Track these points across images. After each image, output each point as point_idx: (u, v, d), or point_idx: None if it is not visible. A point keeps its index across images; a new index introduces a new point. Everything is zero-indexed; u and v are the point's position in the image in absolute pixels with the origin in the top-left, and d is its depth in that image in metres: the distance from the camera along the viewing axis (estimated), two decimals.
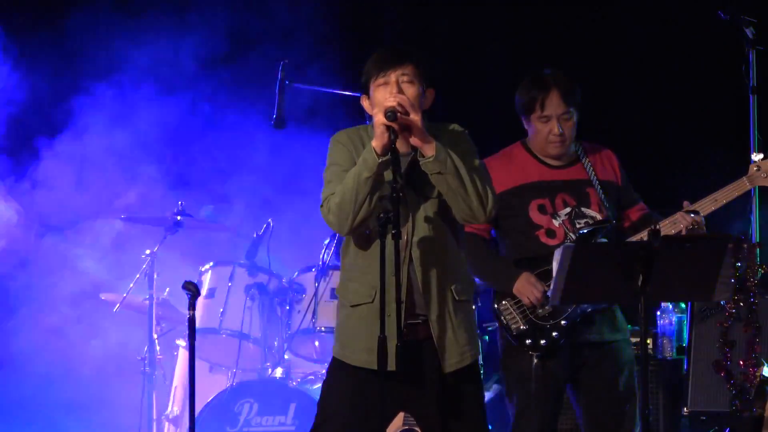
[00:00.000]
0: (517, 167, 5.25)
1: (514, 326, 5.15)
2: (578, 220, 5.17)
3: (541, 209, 5.19)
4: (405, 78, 4.38)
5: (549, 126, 5.17)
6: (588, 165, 5.24)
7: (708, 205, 5.20)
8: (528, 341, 5.13)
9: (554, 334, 5.10)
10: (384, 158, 4.25)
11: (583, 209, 5.19)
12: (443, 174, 4.29)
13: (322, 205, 4.42)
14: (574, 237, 5.13)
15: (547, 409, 5.12)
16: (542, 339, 5.11)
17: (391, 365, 4.22)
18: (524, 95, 5.21)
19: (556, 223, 5.18)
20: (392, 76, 4.38)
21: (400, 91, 4.35)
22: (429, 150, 4.29)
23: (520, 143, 5.32)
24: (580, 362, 5.15)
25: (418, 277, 4.38)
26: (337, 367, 4.51)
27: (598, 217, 5.17)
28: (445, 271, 4.41)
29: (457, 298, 4.43)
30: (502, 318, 5.17)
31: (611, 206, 5.21)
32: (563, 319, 5.10)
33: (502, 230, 5.27)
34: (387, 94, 4.34)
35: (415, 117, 4.27)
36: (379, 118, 4.26)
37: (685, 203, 5.19)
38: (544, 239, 5.17)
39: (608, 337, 5.16)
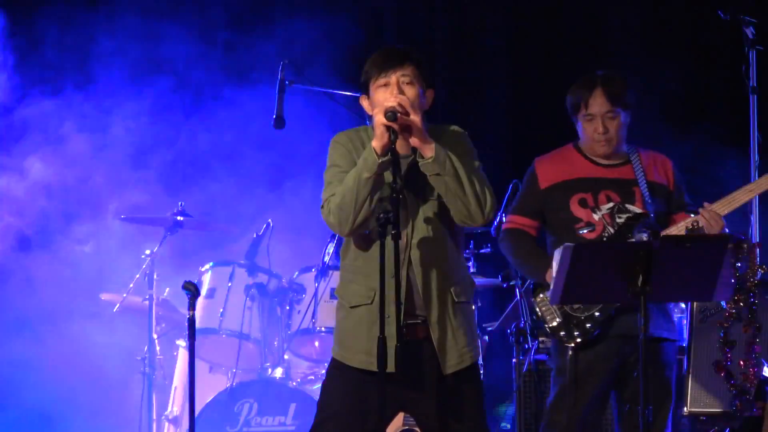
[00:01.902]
0: (566, 164, 5.32)
1: (549, 318, 5.20)
2: (620, 215, 5.21)
3: (582, 203, 5.24)
4: (405, 79, 4.37)
5: (594, 125, 5.24)
6: (638, 166, 5.28)
7: (742, 194, 5.20)
8: (562, 333, 5.17)
9: (588, 325, 5.13)
10: (384, 158, 4.25)
11: (627, 205, 5.23)
12: (442, 176, 4.29)
13: (322, 207, 4.41)
14: (612, 231, 5.15)
15: (581, 402, 5.13)
16: (576, 331, 5.14)
17: (390, 366, 4.22)
18: (572, 95, 5.30)
19: (596, 217, 5.23)
20: (393, 77, 4.37)
21: (401, 91, 4.34)
22: (428, 151, 4.29)
23: (572, 145, 5.39)
24: (621, 355, 5.14)
25: (418, 278, 4.37)
26: (335, 367, 4.51)
27: (639, 212, 5.21)
28: (444, 273, 4.41)
29: (456, 299, 4.42)
30: (538, 310, 5.22)
31: (656, 206, 5.23)
32: (598, 311, 5.12)
33: (547, 225, 5.35)
34: (388, 95, 4.33)
35: (414, 117, 4.26)
36: (379, 119, 4.26)
37: (705, 204, 5.20)
38: (583, 232, 5.20)
39: (653, 332, 5.12)
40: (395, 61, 4.38)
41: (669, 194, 5.32)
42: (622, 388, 5.21)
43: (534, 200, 5.30)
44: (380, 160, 4.24)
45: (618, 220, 5.20)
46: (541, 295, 5.24)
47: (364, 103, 4.46)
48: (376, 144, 4.26)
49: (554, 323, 5.19)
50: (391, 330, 4.23)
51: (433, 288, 4.38)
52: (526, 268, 5.38)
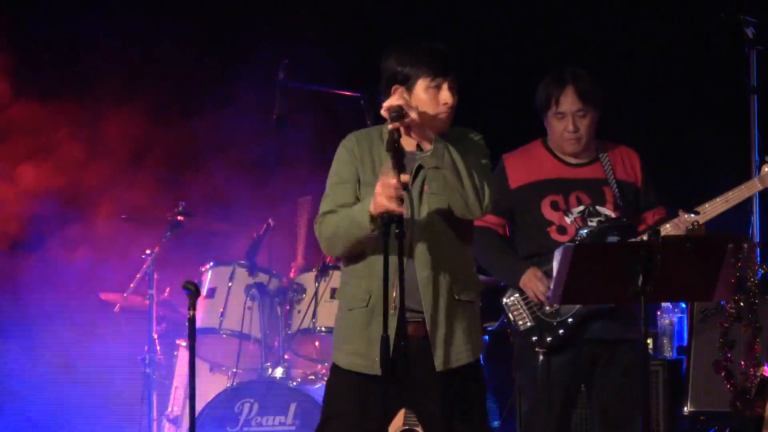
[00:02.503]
0: (535, 163, 5.27)
1: (521, 322, 5.16)
2: (591, 218, 5.18)
3: (554, 206, 5.21)
4: (454, 85, 4.42)
5: (564, 123, 5.19)
6: (607, 164, 5.24)
7: (719, 205, 5.19)
8: (534, 338, 5.13)
9: (561, 331, 5.10)
10: (375, 229, 4.24)
11: (597, 207, 5.20)
12: (440, 169, 4.29)
13: (316, 220, 4.44)
14: (584, 234, 5.13)
15: (554, 406, 5.11)
16: (548, 336, 5.11)
17: (377, 369, 4.24)
18: (542, 92, 5.24)
19: (568, 220, 5.19)
20: (444, 84, 4.40)
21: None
22: (427, 144, 4.30)
23: (540, 141, 5.34)
24: (593, 360, 5.14)
25: (419, 275, 4.38)
26: (334, 368, 4.53)
27: (612, 215, 5.17)
28: (445, 270, 4.41)
29: (456, 297, 4.43)
30: (510, 314, 5.18)
31: (627, 206, 5.21)
32: (570, 317, 5.10)
33: (516, 225, 5.30)
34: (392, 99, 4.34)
35: (414, 116, 4.27)
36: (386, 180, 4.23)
37: (680, 211, 5.18)
38: (555, 236, 5.18)
39: (622, 335, 5.13)
40: (453, 65, 4.41)
41: (637, 191, 5.29)
42: (595, 390, 5.19)
43: (503, 199, 5.20)
44: (371, 229, 4.25)
45: (590, 223, 5.17)
46: (512, 298, 5.20)
47: (398, 92, 4.39)
48: (373, 209, 4.24)
49: (525, 327, 5.16)
50: (391, 328, 4.24)
51: (434, 285, 4.39)
52: (497, 268, 5.29)
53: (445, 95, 4.38)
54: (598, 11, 7.93)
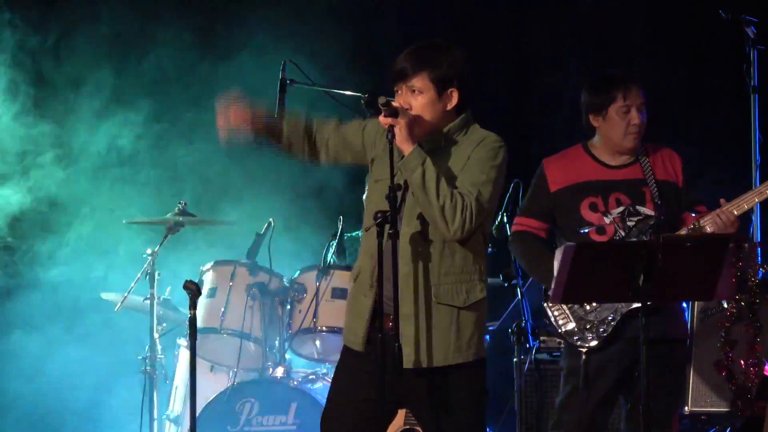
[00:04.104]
0: (574, 167, 5.32)
1: (562, 323, 5.20)
2: (630, 218, 5.21)
3: (593, 207, 5.24)
4: (413, 89, 4.45)
5: (629, 117, 5.22)
6: (647, 165, 5.28)
7: (756, 195, 5.21)
8: (575, 338, 5.18)
9: (601, 329, 5.14)
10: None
11: (637, 207, 5.23)
12: (409, 182, 4.37)
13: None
14: (623, 234, 5.15)
15: (590, 402, 5.15)
16: (590, 335, 5.15)
17: (360, 346, 4.43)
18: (602, 89, 5.27)
19: (607, 220, 5.22)
20: (402, 88, 4.47)
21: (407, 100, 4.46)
22: (405, 154, 4.37)
23: (580, 145, 5.38)
24: (635, 358, 5.13)
25: (399, 271, 4.38)
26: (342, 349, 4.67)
27: (651, 214, 5.20)
28: (429, 271, 4.42)
29: (435, 300, 4.43)
30: (550, 314, 5.23)
31: (667, 205, 5.23)
32: (610, 314, 5.13)
33: (558, 228, 5.35)
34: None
35: (401, 120, 4.34)
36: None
37: (722, 201, 5.20)
38: (594, 236, 5.21)
39: (663, 334, 5.14)
40: (404, 71, 4.45)
41: (679, 192, 5.31)
42: (632, 388, 5.21)
43: (544, 202, 5.30)
44: None
45: (629, 223, 5.20)
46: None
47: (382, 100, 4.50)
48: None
49: (568, 327, 5.20)
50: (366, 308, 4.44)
51: (414, 283, 4.41)
52: (536, 272, 5.37)
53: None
54: (598, 10, 7.93)
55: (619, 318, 5.14)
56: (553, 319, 5.23)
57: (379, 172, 4.49)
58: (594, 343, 5.15)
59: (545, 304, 5.26)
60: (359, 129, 4.62)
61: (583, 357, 5.15)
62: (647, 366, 5.08)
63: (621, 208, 5.23)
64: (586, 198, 5.25)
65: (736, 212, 5.16)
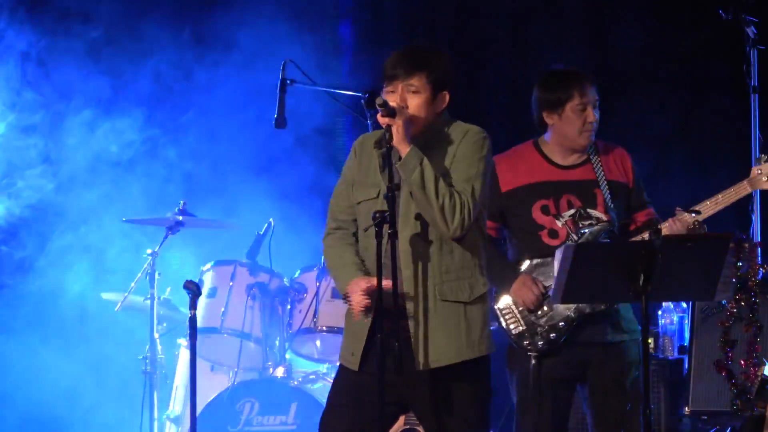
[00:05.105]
0: (525, 167, 5.25)
1: (513, 327, 5.16)
2: (582, 221, 5.17)
3: (544, 210, 5.19)
4: (411, 88, 4.45)
5: (585, 114, 5.17)
6: (598, 165, 5.23)
7: (709, 207, 5.19)
8: (526, 342, 5.13)
9: (552, 335, 5.10)
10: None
11: (588, 210, 5.19)
12: (407, 182, 4.36)
13: (324, 238, 4.65)
14: (576, 238, 5.13)
15: (545, 410, 5.11)
16: (540, 340, 5.12)
17: (356, 366, 4.42)
18: (558, 87, 5.20)
19: (559, 223, 5.18)
20: (399, 86, 4.46)
21: (404, 101, 4.44)
22: (402, 155, 4.36)
23: (531, 143, 5.31)
24: (585, 362, 5.14)
25: (402, 273, 4.39)
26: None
27: (603, 218, 5.16)
28: (429, 270, 4.42)
29: (440, 297, 4.43)
30: (502, 319, 5.18)
31: (618, 208, 5.20)
32: (561, 321, 5.10)
33: (509, 229, 5.29)
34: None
35: (398, 121, 4.35)
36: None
37: (677, 209, 5.18)
38: (546, 239, 5.16)
39: (612, 338, 5.13)
40: (402, 70, 4.45)
41: (629, 192, 5.27)
42: (588, 393, 5.18)
43: (494, 202, 5.13)
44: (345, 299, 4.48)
45: (580, 226, 5.17)
46: (505, 303, 5.19)
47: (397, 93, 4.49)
48: (347, 290, 4.45)
49: (517, 331, 5.16)
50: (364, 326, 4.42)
51: (416, 284, 4.41)
52: (488, 274, 5.31)
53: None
54: (598, 10, 7.93)
55: (569, 324, 5.10)
56: (504, 323, 5.18)
57: (359, 176, 4.53)
58: (544, 348, 5.10)
59: (495, 306, 5.18)
60: (347, 188, 4.60)
61: (533, 361, 5.10)
62: (597, 368, 5.09)
63: (572, 211, 5.18)
64: (537, 200, 5.18)
65: (703, 215, 5.14)
